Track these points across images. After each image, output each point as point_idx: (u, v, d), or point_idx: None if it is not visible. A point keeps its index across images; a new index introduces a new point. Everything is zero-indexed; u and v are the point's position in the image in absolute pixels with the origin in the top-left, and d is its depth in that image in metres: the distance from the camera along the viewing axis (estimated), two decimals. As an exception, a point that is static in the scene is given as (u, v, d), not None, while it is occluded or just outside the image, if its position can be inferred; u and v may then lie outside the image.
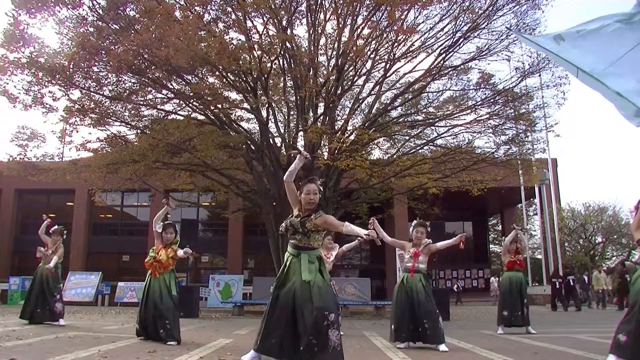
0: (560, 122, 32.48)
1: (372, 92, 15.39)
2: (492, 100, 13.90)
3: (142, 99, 14.19)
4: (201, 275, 24.92)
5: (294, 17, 13.01)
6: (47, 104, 12.57)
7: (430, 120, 15.08)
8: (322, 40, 14.23)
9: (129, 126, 14.67)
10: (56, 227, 8.04)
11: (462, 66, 14.40)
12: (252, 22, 12.43)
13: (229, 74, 12.98)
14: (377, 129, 14.54)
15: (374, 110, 15.24)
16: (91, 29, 12.27)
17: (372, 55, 13.98)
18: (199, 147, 13.80)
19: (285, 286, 3.67)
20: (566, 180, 41.84)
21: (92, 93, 13.23)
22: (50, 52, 12.17)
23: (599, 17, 3.48)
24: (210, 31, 11.75)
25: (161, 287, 5.78)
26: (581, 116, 71.83)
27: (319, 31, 13.82)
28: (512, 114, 13.92)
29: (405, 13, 12.96)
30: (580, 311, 16.22)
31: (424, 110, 15.66)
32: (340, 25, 12.91)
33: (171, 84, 13.88)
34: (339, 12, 12.73)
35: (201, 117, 14.70)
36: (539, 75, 13.71)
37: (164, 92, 14.16)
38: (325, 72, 14.25)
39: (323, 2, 13.48)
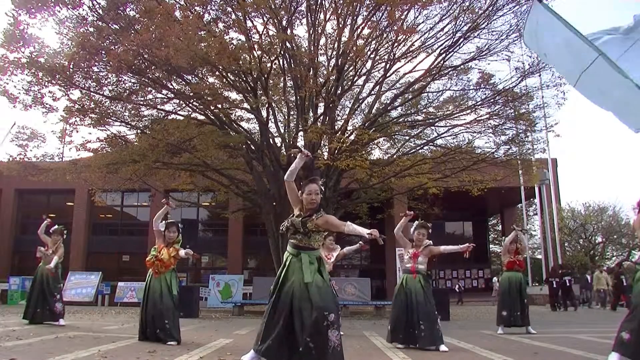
0: (560, 122, 32.48)
1: (372, 92, 15.38)
2: (492, 100, 13.90)
3: (142, 99, 14.19)
4: (201, 275, 24.92)
5: (294, 17, 13.01)
6: (47, 104, 12.57)
7: (430, 120, 15.08)
8: (322, 40, 14.23)
9: (129, 126, 14.67)
10: (56, 226, 8.04)
11: (462, 66, 14.39)
12: (252, 22, 12.43)
13: (229, 74, 12.98)
14: (377, 129, 14.54)
15: (374, 110, 15.24)
16: (91, 29, 12.27)
17: (372, 55, 13.98)
18: (199, 147, 13.79)
19: (285, 286, 3.66)
20: (566, 180, 41.86)
21: (92, 93, 13.23)
22: (50, 52, 12.17)
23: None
24: (210, 31, 11.75)
25: (162, 286, 5.76)
26: (581, 116, 71.87)
27: (319, 31, 13.82)
28: (512, 114, 13.92)
29: (405, 13, 12.96)
30: (575, 311, 16.26)
31: (424, 110, 15.66)
32: (340, 25, 12.91)
33: (171, 84, 13.88)
34: (339, 12, 12.73)
35: (201, 117, 14.71)
36: (539, 75, 13.71)
37: (164, 92, 14.16)
38: (325, 72, 14.25)
39: (323, 2, 13.47)
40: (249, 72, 12.76)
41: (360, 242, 7.80)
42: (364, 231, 3.52)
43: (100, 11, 12.10)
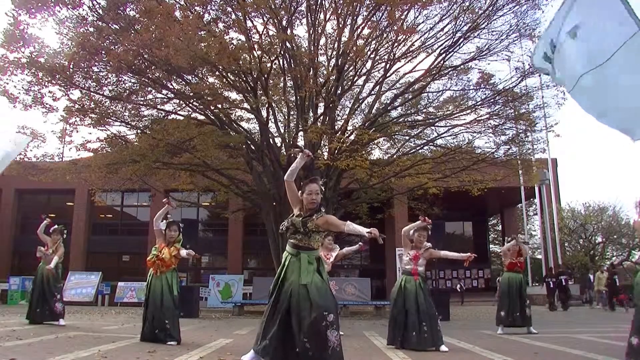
0: (561, 122, 32.49)
1: (372, 92, 15.39)
2: (492, 100, 13.90)
3: (142, 99, 14.19)
4: (201, 275, 24.92)
5: (294, 17, 13.00)
6: (47, 104, 12.57)
7: (430, 120, 15.08)
8: (322, 40, 14.23)
9: (129, 126, 14.67)
10: (56, 226, 8.03)
11: (462, 66, 14.40)
12: (252, 22, 12.43)
13: (229, 74, 12.98)
14: (377, 129, 14.54)
15: (374, 110, 15.24)
16: (91, 29, 12.27)
17: (372, 55, 13.98)
18: (199, 147, 13.79)
19: (284, 286, 3.66)
20: (566, 180, 41.82)
21: (92, 93, 13.23)
22: (50, 52, 12.16)
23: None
24: (210, 31, 11.75)
25: (162, 286, 5.75)
26: (581, 116, 71.87)
27: (319, 31, 13.83)
28: (512, 114, 13.92)
29: (405, 13, 12.97)
30: (566, 310, 16.44)
31: (424, 110, 15.66)
32: (340, 25, 12.92)
33: (171, 84, 13.88)
34: (339, 12, 12.73)
35: (201, 117, 14.71)
36: (539, 75, 13.69)
37: (164, 92, 14.16)
38: (325, 72, 14.25)
39: (323, 2, 13.48)
40: (249, 72, 12.75)
41: (360, 242, 7.80)
42: (364, 230, 3.52)
43: (100, 11, 12.10)
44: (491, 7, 12.82)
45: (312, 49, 13.78)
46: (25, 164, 14.47)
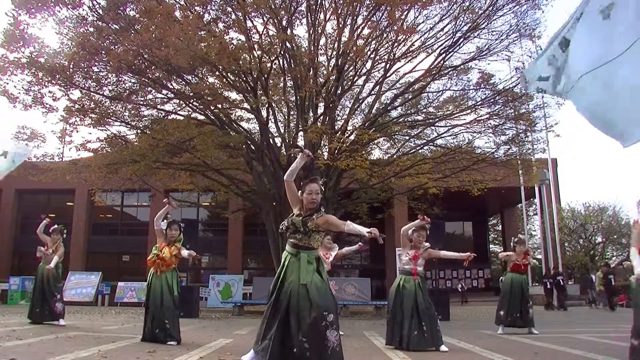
0: (561, 122, 32.49)
1: (372, 92, 15.39)
2: (492, 100, 13.90)
3: (142, 99, 14.20)
4: (201, 275, 24.92)
5: (294, 17, 13.01)
6: (47, 104, 12.57)
7: (430, 120, 15.08)
8: (322, 40, 14.24)
9: (129, 126, 14.68)
10: (55, 226, 8.02)
11: (462, 66, 14.40)
12: (252, 22, 12.43)
13: (229, 74, 12.98)
14: (377, 129, 14.54)
15: (374, 110, 15.25)
16: (91, 29, 12.27)
17: (372, 55, 13.98)
18: (199, 147, 13.80)
19: (284, 286, 3.65)
20: (566, 180, 41.92)
21: (92, 93, 13.23)
22: (50, 52, 12.16)
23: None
24: (210, 31, 11.75)
25: (162, 286, 5.75)
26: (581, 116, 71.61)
27: (319, 31, 13.83)
28: (512, 114, 13.92)
29: (405, 13, 12.97)
30: (559, 310, 16.54)
31: (424, 110, 15.67)
32: (340, 25, 12.92)
33: (171, 84, 13.88)
34: (339, 12, 12.74)
35: (201, 117, 14.71)
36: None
37: (164, 92, 14.16)
38: (325, 72, 14.25)
39: (323, 2, 13.48)
40: (249, 72, 12.76)
41: (360, 242, 7.79)
42: (364, 230, 3.51)
43: (100, 11, 12.10)
44: (491, 7, 12.82)
45: (312, 49, 13.78)
46: (25, 164, 14.43)
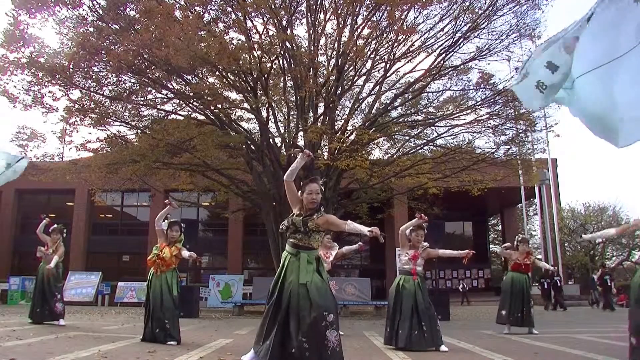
0: (561, 122, 32.49)
1: (372, 92, 15.39)
2: (492, 100, 13.90)
3: (142, 99, 14.20)
4: (201, 275, 24.93)
5: (294, 17, 13.01)
6: (47, 104, 12.57)
7: (430, 120, 15.08)
8: (322, 40, 14.24)
9: (129, 126, 14.68)
10: (55, 225, 8.01)
11: (462, 66, 14.41)
12: (252, 22, 12.44)
13: (229, 74, 12.98)
14: (377, 129, 14.54)
15: (374, 110, 15.24)
16: (91, 29, 12.27)
17: (372, 55, 13.98)
18: (199, 147, 13.80)
19: (284, 286, 3.65)
20: (566, 180, 41.91)
21: (92, 93, 13.23)
22: (50, 52, 12.16)
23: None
24: (210, 31, 11.75)
25: (162, 286, 5.75)
26: (581, 116, 71.60)
27: (319, 31, 13.83)
28: (512, 114, 13.91)
29: (405, 13, 12.97)
30: (555, 310, 16.60)
31: (424, 110, 15.67)
32: (340, 25, 12.92)
33: (171, 84, 13.88)
34: (339, 12, 12.73)
35: (201, 117, 14.71)
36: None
37: (164, 92, 14.16)
38: (325, 72, 14.25)
39: (323, 2, 13.48)
40: (249, 72, 12.76)
41: (360, 242, 7.79)
42: (365, 229, 3.51)
43: (100, 11, 12.10)
44: (491, 7, 12.82)
45: (312, 49, 13.78)
46: (25, 164, 14.46)
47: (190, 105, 14.30)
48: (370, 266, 27.83)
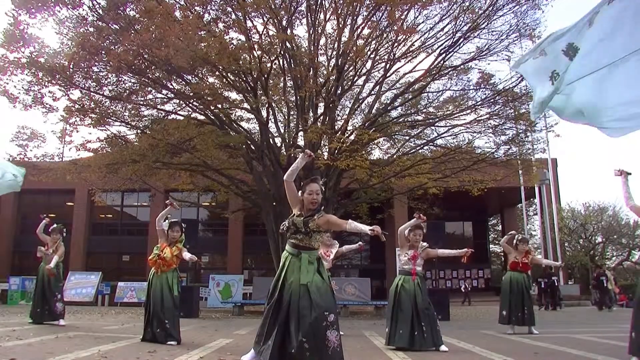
0: (561, 122, 32.37)
1: (372, 92, 15.39)
2: (492, 100, 13.90)
3: (142, 99, 14.19)
4: (201, 275, 24.94)
5: (294, 17, 13.01)
6: (47, 104, 12.57)
7: (430, 120, 15.08)
8: (322, 40, 14.24)
9: (129, 126, 14.67)
10: (55, 225, 8.01)
11: (462, 66, 14.40)
12: (252, 22, 12.44)
13: (229, 74, 12.98)
14: (377, 129, 14.54)
15: (374, 110, 15.24)
16: (91, 29, 12.27)
17: (372, 55, 13.98)
18: (199, 147, 13.79)
19: (285, 286, 3.64)
20: (566, 180, 41.92)
21: (92, 93, 13.23)
22: (50, 52, 12.16)
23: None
24: (210, 31, 11.75)
25: (163, 286, 5.75)
26: (581, 116, 71.59)
27: (319, 31, 13.83)
28: (512, 114, 13.91)
29: (405, 13, 12.97)
30: (555, 310, 16.63)
31: (424, 110, 15.66)
32: (340, 25, 12.92)
33: (171, 84, 13.88)
34: (339, 12, 12.73)
35: (201, 117, 14.71)
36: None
37: (164, 92, 14.16)
38: (325, 72, 14.26)
39: (323, 2, 13.48)
40: (249, 72, 12.76)
41: (360, 242, 7.78)
42: (366, 228, 3.49)
43: (100, 11, 12.09)
44: (491, 7, 12.81)
45: (312, 49, 13.78)
46: (25, 164, 14.46)
47: (190, 105, 14.29)
48: (370, 266, 27.84)
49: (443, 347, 5.38)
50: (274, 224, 13.95)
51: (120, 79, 13.31)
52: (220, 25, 12.72)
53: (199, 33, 11.40)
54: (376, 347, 5.86)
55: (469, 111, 14.30)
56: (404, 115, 15.94)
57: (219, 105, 13.61)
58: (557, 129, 19.85)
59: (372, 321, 11.03)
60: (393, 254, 19.38)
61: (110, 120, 13.96)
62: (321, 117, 13.86)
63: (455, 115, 14.46)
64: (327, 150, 13.73)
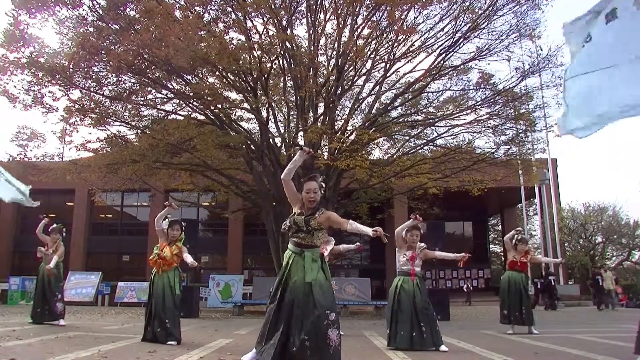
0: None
1: (372, 92, 15.39)
2: (492, 100, 13.90)
3: (142, 99, 14.19)
4: (201, 275, 24.94)
5: (294, 17, 13.01)
6: (47, 104, 12.58)
7: (430, 120, 15.08)
8: (322, 40, 14.24)
9: (129, 126, 14.68)
10: (54, 225, 8.01)
11: (462, 66, 14.40)
12: (252, 22, 12.44)
13: (229, 74, 12.98)
14: (377, 129, 14.53)
15: (374, 110, 15.24)
16: (91, 29, 12.27)
17: (372, 55, 13.98)
18: (199, 147, 13.79)
19: (288, 285, 3.64)
20: (566, 180, 41.94)
21: (92, 93, 13.23)
22: (50, 52, 12.17)
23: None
24: (210, 31, 11.75)
25: (164, 285, 5.75)
26: (581, 116, 71.59)
27: (319, 31, 13.83)
28: (512, 114, 13.92)
29: (405, 13, 12.98)
30: (553, 310, 16.64)
31: (424, 110, 15.66)
32: (340, 25, 12.92)
33: (171, 84, 13.88)
34: (339, 12, 12.74)
35: (201, 117, 14.71)
36: (539, 75, 13.71)
37: (164, 92, 14.16)
38: (325, 72, 14.26)
39: (323, 2, 13.48)
40: (249, 72, 12.76)
41: (358, 242, 7.77)
42: (369, 230, 3.48)
43: (100, 11, 12.10)
44: (491, 7, 12.81)
45: (312, 49, 13.78)
46: (25, 164, 14.48)
47: (190, 105, 14.30)
48: (370, 266, 27.83)
49: (443, 347, 5.38)
50: (274, 224, 13.95)
51: (120, 79, 13.31)
52: (220, 25, 12.72)
53: (199, 33, 11.40)
54: (376, 347, 5.86)
55: (469, 111, 14.31)
56: (404, 115, 15.93)
57: (219, 105, 13.62)
58: (557, 129, 19.86)
59: (372, 321, 11.03)
60: (393, 254, 19.36)
61: (110, 120, 13.97)
62: (321, 117, 13.86)
63: (455, 115, 14.47)
64: (327, 150, 13.73)
